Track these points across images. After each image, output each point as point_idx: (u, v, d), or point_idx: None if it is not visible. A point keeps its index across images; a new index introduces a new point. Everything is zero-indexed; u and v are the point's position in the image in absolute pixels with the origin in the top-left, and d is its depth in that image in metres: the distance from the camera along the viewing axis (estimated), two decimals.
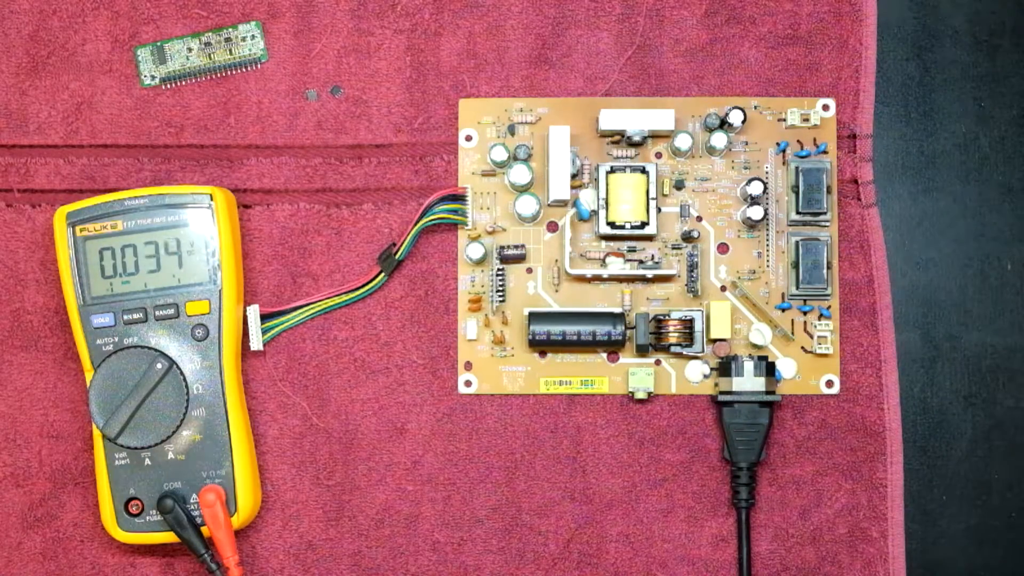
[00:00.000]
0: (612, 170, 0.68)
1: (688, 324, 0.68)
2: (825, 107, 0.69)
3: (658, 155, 0.70)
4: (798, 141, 0.69)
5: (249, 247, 0.70)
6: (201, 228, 0.66)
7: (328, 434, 0.69)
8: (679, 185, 0.69)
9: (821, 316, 0.69)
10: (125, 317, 0.66)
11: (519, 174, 0.68)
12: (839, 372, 0.69)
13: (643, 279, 0.69)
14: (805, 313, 0.69)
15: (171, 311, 0.66)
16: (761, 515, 0.68)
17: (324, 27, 0.70)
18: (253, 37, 0.70)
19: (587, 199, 0.69)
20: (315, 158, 0.70)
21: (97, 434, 0.66)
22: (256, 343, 0.68)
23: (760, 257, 0.69)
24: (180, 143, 0.70)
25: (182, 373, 0.65)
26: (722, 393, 0.67)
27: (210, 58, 0.70)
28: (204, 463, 0.66)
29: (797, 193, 0.68)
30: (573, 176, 0.69)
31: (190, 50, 0.70)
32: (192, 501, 0.66)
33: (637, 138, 0.68)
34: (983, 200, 0.71)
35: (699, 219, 0.69)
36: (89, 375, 0.65)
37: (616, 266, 0.69)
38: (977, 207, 0.71)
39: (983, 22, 0.71)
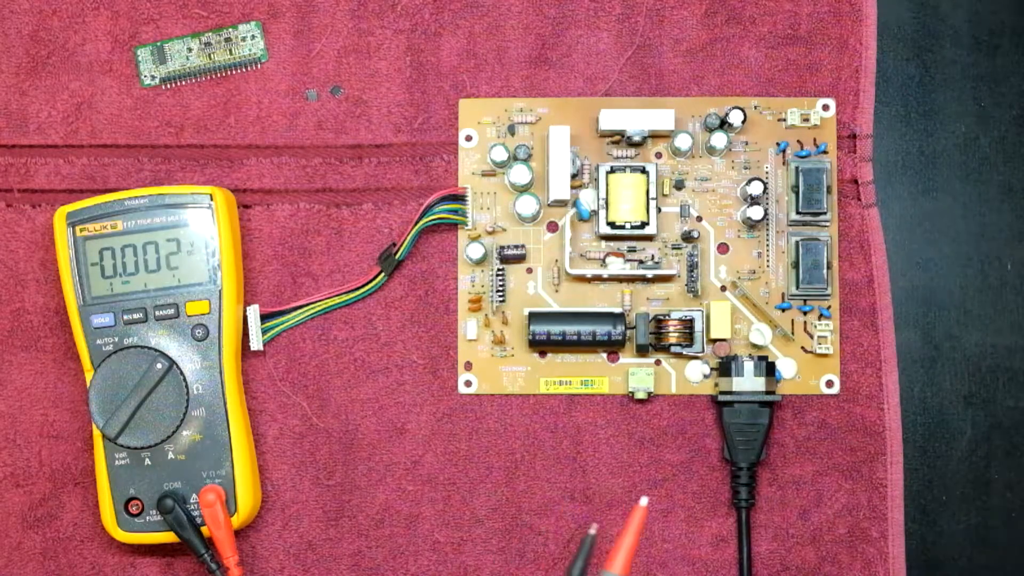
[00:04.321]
0: (612, 170, 0.68)
1: (688, 324, 0.68)
2: (825, 107, 0.69)
3: (658, 155, 0.70)
4: (798, 141, 0.69)
5: (249, 247, 0.70)
6: (201, 228, 0.66)
7: (328, 434, 0.69)
8: (679, 185, 0.69)
9: (821, 316, 0.69)
10: (125, 317, 0.66)
11: (519, 174, 0.68)
12: (839, 372, 0.69)
13: (643, 279, 0.69)
14: (805, 313, 0.69)
15: (171, 311, 0.66)
16: (761, 515, 0.68)
17: (324, 27, 0.70)
18: (253, 37, 0.70)
19: (587, 199, 0.69)
20: (315, 158, 0.70)
21: (97, 434, 0.66)
22: (256, 343, 0.68)
23: (760, 257, 0.69)
24: (180, 143, 0.70)
25: (182, 373, 0.65)
26: (722, 393, 0.67)
27: (210, 58, 0.70)
28: (204, 463, 0.66)
29: (797, 193, 0.68)
30: (573, 176, 0.69)
31: (190, 50, 0.70)
32: (192, 501, 0.66)
33: (637, 138, 0.68)
34: (983, 200, 0.71)
35: (699, 219, 0.69)
36: (89, 375, 0.65)
37: (616, 266, 0.69)
38: (977, 207, 0.71)
39: (983, 22, 0.71)
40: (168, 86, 0.70)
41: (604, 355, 0.69)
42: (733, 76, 0.70)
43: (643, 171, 0.68)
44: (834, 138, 0.69)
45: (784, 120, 0.69)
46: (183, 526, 0.65)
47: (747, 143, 0.70)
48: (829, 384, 0.69)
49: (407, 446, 0.69)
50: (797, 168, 0.68)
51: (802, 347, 0.69)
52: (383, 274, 0.69)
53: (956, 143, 0.71)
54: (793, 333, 0.69)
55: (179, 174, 0.70)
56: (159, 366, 0.64)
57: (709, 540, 0.68)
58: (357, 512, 0.69)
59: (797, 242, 0.68)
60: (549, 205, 0.69)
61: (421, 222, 0.68)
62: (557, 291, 0.69)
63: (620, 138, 0.69)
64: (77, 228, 0.66)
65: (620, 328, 0.68)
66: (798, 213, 0.68)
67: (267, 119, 0.70)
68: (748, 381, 0.67)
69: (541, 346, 0.68)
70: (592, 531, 0.52)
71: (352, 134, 0.70)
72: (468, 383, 0.69)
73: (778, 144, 0.69)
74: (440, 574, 0.69)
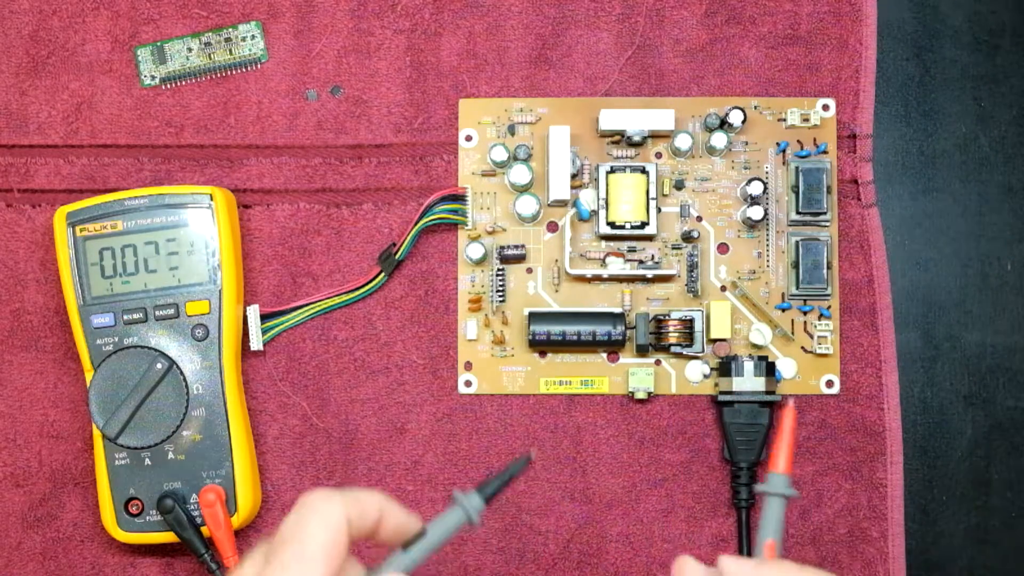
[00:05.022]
0: (612, 170, 0.68)
1: (688, 324, 0.68)
2: (825, 107, 0.69)
3: (658, 155, 0.70)
4: (798, 141, 0.69)
5: (249, 247, 0.70)
6: (201, 228, 0.66)
7: (328, 434, 0.69)
8: (679, 185, 0.69)
9: (821, 316, 0.69)
10: (125, 317, 0.66)
11: (519, 174, 0.68)
12: (839, 372, 0.69)
13: (643, 279, 0.69)
14: (805, 313, 0.69)
15: (171, 311, 0.66)
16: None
17: (324, 27, 0.70)
18: (253, 37, 0.70)
19: (587, 199, 0.69)
20: (315, 158, 0.70)
21: (97, 434, 0.66)
22: (256, 343, 0.68)
23: (760, 257, 0.69)
24: (180, 143, 0.70)
25: (182, 373, 0.65)
26: (722, 393, 0.67)
27: (210, 58, 0.70)
28: (204, 463, 0.66)
29: (797, 193, 0.68)
30: (573, 176, 0.69)
31: (190, 50, 0.70)
32: (192, 501, 0.66)
33: (637, 138, 0.68)
34: (983, 200, 0.71)
35: (699, 219, 0.69)
36: (89, 375, 0.65)
37: (616, 266, 0.69)
38: (977, 207, 0.71)
39: (983, 22, 0.71)
40: (168, 86, 0.70)
41: (604, 355, 0.69)
42: (733, 76, 0.70)
43: (643, 171, 0.68)
44: (834, 138, 0.69)
45: (784, 120, 0.69)
46: (183, 526, 0.65)
47: (747, 143, 0.70)
48: (829, 384, 0.69)
49: (407, 446, 0.69)
50: (797, 168, 0.68)
51: (802, 347, 0.69)
52: (383, 274, 0.69)
53: (956, 143, 0.71)
54: (793, 333, 0.69)
55: (179, 174, 0.70)
56: (159, 366, 0.64)
57: (709, 540, 0.68)
58: None
59: (797, 242, 0.68)
60: (549, 205, 0.69)
61: (421, 222, 0.68)
62: (557, 291, 0.69)
63: (620, 138, 0.69)
64: (77, 228, 0.66)
65: (620, 328, 0.68)
66: (798, 213, 0.68)
67: (267, 119, 0.70)
68: (748, 381, 0.67)
69: (541, 346, 0.68)
70: (532, 455, 0.52)
71: (352, 134, 0.70)
72: (468, 383, 0.69)
73: (778, 144, 0.69)
74: (441, 574, 0.69)
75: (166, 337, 0.66)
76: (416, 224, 0.68)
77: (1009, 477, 0.70)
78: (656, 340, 0.68)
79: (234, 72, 0.70)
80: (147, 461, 0.66)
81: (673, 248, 0.69)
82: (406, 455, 0.69)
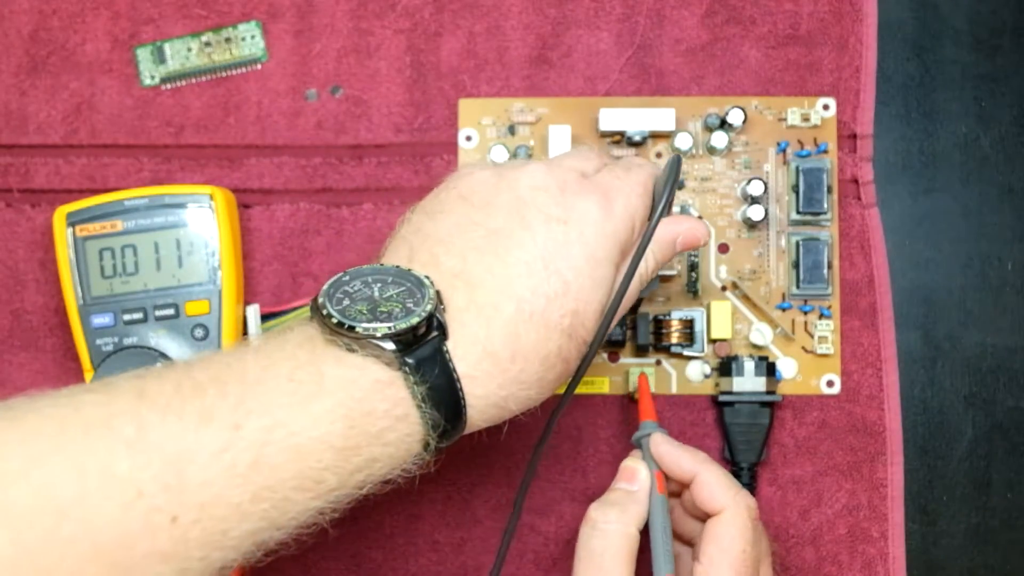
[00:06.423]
0: None
1: (688, 324, 0.68)
2: (825, 107, 0.69)
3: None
4: (798, 141, 0.69)
5: (249, 247, 0.70)
6: (201, 228, 0.66)
7: None
8: (679, 185, 0.69)
9: (821, 316, 0.69)
10: (125, 317, 0.66)
11: None
12: (839, 372, 0.69)
13: None
14: (805, 313, 0.69)
15: (171, 311, 0.66)
16: (761, 515, 0.68)
17: (324, 27, 0.70)
18: (253, 37, 0.70)
19: None
20: (315, 158, 0.70)
21: None
22: None
23: (760, 257, 0.69)
24: (180, 143, 0.70)
25: None
26: (723, 393, 0.67)
27: (210, 58, 0.70)
28: None
29: (797, 193, 0.68)
30: None
31: (190, 50, 0.70)
32: None
33: (637, 138, 0.68)
34: (983, 200, 0.71)
35: (699, 219, 0.69)
36: (89, 375, 0.65)
37: None
38: (977, 207, 0.71)
39: (983, 22, 0.71)
40: (168, 86, 0.70)
41: (604, 355, 0.69)
42: (733, 76, 0.70)
43: None
44: (834, 138, 0.69)
45: (784, 120, 0.69)
46: None
47: (747, 143, 0.70)
48: (830, 384, 0.69)
49: None
50: (797, 168, 0.68)
51: (802, 347, 0.69)
52: None
53: (956, 143, 0.71)
54: (793, 333, 0.69)
55: (179, 174, 0.70)
56: (159, 366, 0.64)
57: None
58: (357, 512, 0.69)
59: (797, 242, 0.68)
60: None
61: None
62: None
63: (620, 138, 0.69)
64: (77, 228, 0.66)
65: (620, 328, 0.68)
66: (798, 213, 0.68)
67: (267, 119, 0.70)
68: (748, 381, 0.67)
69: None
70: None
71: (352, 134, 0.70)
72: None
73: (778, 144, 0.69)
74: (440, 574, 0.69)
75: (166, 337, 0.66)
76: None
77: (1009, 477, 0.70)
78: (656, 340, 0.68)
79: (234, 72, 0.70)
80: None
81: None
82: None
